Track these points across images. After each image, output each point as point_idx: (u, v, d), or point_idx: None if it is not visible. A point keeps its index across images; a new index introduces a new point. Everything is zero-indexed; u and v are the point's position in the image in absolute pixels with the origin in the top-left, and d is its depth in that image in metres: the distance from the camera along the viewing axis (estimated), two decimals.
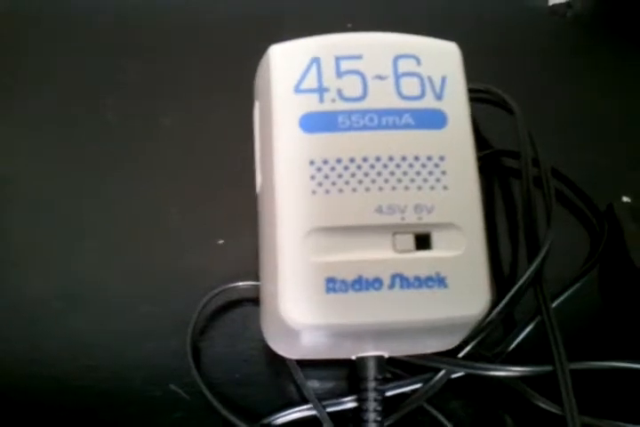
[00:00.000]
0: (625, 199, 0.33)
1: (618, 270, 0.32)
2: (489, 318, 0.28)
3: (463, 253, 0.24)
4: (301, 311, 0.23)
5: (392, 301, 0.23)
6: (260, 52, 0.27)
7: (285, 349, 0.28)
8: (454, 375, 0.29)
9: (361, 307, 0.23)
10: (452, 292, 0.23)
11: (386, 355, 0.27)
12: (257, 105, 0.28)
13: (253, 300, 0.31)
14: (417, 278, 0.23)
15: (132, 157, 0.36)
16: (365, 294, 0.23)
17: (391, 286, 0.23)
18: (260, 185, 0.27)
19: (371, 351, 0.27)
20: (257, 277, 0.29)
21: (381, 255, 0.24)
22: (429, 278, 0.23)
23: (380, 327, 0.24)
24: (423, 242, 0.24)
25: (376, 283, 0.23)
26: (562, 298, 0.30)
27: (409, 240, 0.24)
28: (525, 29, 0.42)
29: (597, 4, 0.44)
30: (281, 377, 0.30)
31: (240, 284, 0.31)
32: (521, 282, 0.29)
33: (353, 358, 0.28)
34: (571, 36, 0.42)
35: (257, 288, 0.30)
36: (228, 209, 0.34)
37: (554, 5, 0.45)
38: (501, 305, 0.29)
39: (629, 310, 0.31)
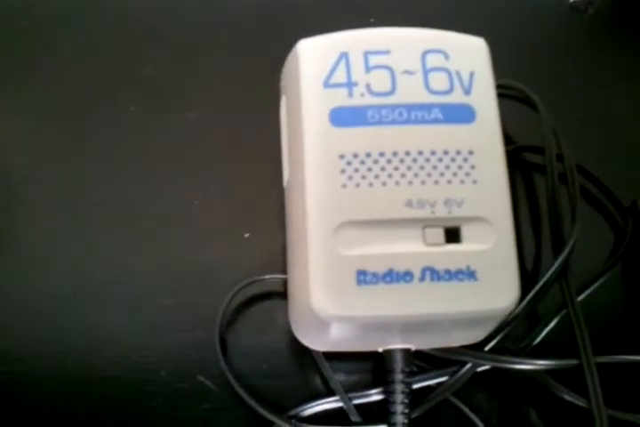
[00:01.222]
0: None
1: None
2: (515, 312, 0.28)
3: (493, 246, 0.24)
4: (333, 303, 0.23)
5: (422, 293, 0.24)
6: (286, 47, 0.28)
7: (313, 341, 0.28)
8: (480, 369, 0.29)
9: (391, 299, 0.23)
10: (482, 285, 0.24)
11: (413, 348, 0.28)
12: (284, 100, 0.29)
13: (280, 293, 0.32)
14: (447, 271, 0.24)
15: (154, 151, 0.36)
16: (396, 287, 0.23)
17: (422, 278, 0.24)
18: (288, 179, 0.27)
19: (398, 344, 0.27)
20: (283, 271, 0.29)
21: (412, 248, 0.24)
22: (459, 272, 0.24)
23: (409, 320, 0.24)
24: (453, 235, 0.24)
25: (407, 276, 0.24)
26: (587, 292, 0.30)
27: (439, 234, 0.24)
28: (547, 25, 0.42)
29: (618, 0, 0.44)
30: (308, 369, 0.31)
31: (267, 277, 0.31)
32: (547, 276, 0.29)
33: (380, 350, 0.28)
34: (592, 32, 0.42)
35: (284, 281, 0.30)
36: (253, 203, 0.34)
37: (575, 2, 0.45)
38: (527, 299, 0.29)
39: None
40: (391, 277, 0.24)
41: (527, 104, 0.35)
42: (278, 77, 0.29)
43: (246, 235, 0.34)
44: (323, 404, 0.29)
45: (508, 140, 0.36)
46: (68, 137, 0.36)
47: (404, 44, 0.26)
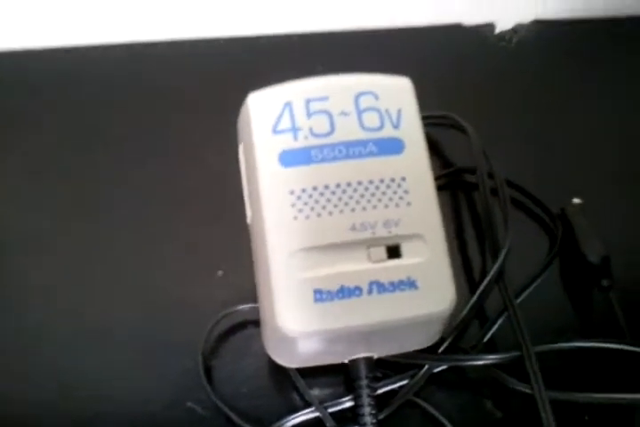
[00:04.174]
0: (576, 201, 0.37)
1: (573, 264, 0.36)
2: (462, 315, 0.32)
3: (429, 258, 0.28)
4: (295, 320, 0.27)
5: (371, 304, 0.27)
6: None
7: (285, 358, 0.32)
8: (437, 369, 0.32)
9: (346, 312, 0.27)
10: (423, 292, 0.27)
11: (375, 356, 0.31)
12: (241, 147, 0.32)
13: (254, 322, 0.35)
14: (391, 283, 0.27)
15: (130, 196, 0.39)
16: (348, 301, 0.27)
17: (370, 291, 0.27)
18: (250, 216, 0.31)
19: (361, 353, 0.31)
20: (255, 301, 0.33)
21: (359, 266, 0.28)
22: (402, 282, 0.27)
23: (363, 329, 0.28)
24: (394, 252, 0.28)
25: (356, 290, 0.27)
26: (525, 293, 0.34)
27: (381, 251, 0.28)
28: (475, 57, 0.47)
29: (540, 29, 0.49)
30: (284, 387, 0.34)
31: (240, 307, 0.35)
32: (485, 282, 0.33)
33: (346, 361, 0.31)
34: (517, 59, 0.47)
35: (256, 310, 0.34)
36: (223, 242, 0.37)
37: (500, 32, 0.49)
38: (471, 303, 0.33)
39: (585, 297, 0.35)
40: (343, 293, 0.27)
41: (459, 129, 0.39)
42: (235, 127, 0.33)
43: (220, 272, 0.37)
44: (301, 415, 0.32)
45: (447, 163, 0.41)
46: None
47: (338, 89, 0.30)
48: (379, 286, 0.27)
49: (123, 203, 0.39)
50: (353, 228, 0.28)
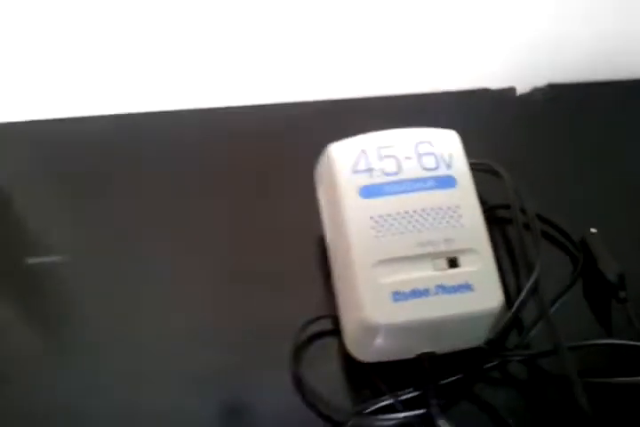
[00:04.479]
0: (593, 230, 0.45)
1: (595, 283, 0.44)
2: (505, 321, 0.39)
3: (481, 267, 0.36)
4: (379, 315, 0.35)
5: (437, 303, 0.35)
6: None
7: (365, 353, 0.39)
8: (490, 364, 0.40)
9: (417, 309, 0.35)
10: (478, 293, 0.35)
11: (438, 351, 0.38)
12: (320, 188, 0.41)
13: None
14: (452, 287, 0.35)
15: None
16: (419, 300, 0.35)
17: (435, 293, 0.35)
18: (330, 238, 0.39)
19: (425, 349, 0.38)
20: None
21: (426, 274, 0.35)
22: (461, 286, 0.35)
23: (431, 323, 0.35)
24: (453, 262, 0.36)
25: (425, 292, 0.35)
26: (556, 305, 0.42)
27: (443, 262, 0.36)
28: (502, 115, 0.56)
29: (554, 91, 0.58)
30: (361, 382, 0.41)
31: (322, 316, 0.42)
32: (524, 292, 0.40)
33: (413, 356, 0.38)
34: (535, 116, 0.56)
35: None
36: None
37: (520, 95, 0.58)
38: (513, 308, 0.40)
39: (605, 308, 0.43)
40: (415, 294, 0.35)
41: (493, 174, 0.47)
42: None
43: None
44: (378, 402, 0.39)
45: (483, 202, 0.49)
46: None
47: (402, 139, 0.39)
48: (443, 289, 0.35)
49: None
50: (420, 244, 0.36)
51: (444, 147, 0.39)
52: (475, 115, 0.55)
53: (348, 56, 0.57)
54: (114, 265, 0.46)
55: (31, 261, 0.47)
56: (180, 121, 0.54)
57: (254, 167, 0.51)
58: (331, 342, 0.42)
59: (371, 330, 0.35)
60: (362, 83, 0.57)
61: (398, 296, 0.35)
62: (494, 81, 0.57)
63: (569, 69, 0.58)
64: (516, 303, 0.40)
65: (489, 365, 0.40)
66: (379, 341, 0.36)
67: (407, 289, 0.35)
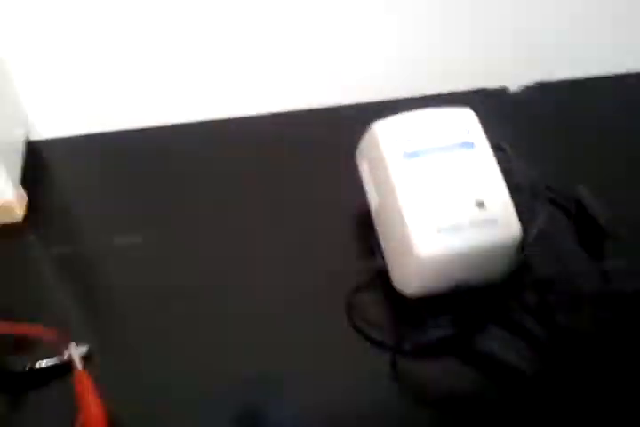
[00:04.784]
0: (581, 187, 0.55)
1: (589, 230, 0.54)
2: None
3: (502, 207, 0.46)
4: (427, 246, 0.45)
5: (472, 235, 0.45)
6: None
7: (412, 287, 0.48)
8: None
9: (457, 240, 0.45)
10: (502, 227, 0.46)
11: (472, 281, 0.48)
12: (364, 162, 0.51)
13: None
14: (482, 221, 0.45)
15: None
16: (457, 234, 0.45)
17: (469, 227, 0.45)
18: (378, 203, 0.49)
19: (462, 278, 0.47)
20: None
21: (461, 212, 0.46)
22: (487, 221, 0.45)
23: (468, 253, 0.45)
24: (481, 204, 0.46)
25: (462, 227, 0.45)
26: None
27: (473, 203, 0.46)
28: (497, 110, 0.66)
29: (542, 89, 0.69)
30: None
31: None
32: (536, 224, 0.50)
33: (453, 288, 0.48)
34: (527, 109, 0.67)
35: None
36: None
37: (513, 92, 0.69)
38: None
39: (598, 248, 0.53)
40: (454, 229, 0.45)
41: (500, 150, 0.57)
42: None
43: None
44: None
45: None
46: None
47: (431, 116, 0.50)
48: (475, 224, 0.45)
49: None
50: (454, 190, 0.46)
51: (464, 120, 0.49)
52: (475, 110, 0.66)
53: (349, 57, 0.67)
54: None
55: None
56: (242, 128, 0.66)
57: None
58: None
59: (419, 261, 0.45)
60: (362, 86, 0.67)
61: (441, 230, 0.45)
62: (488, 81, 0.68)
63: (559, 68, 0.68)
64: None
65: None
66: (426, 271, 0.46)
67: (447, 225, 0.45)
